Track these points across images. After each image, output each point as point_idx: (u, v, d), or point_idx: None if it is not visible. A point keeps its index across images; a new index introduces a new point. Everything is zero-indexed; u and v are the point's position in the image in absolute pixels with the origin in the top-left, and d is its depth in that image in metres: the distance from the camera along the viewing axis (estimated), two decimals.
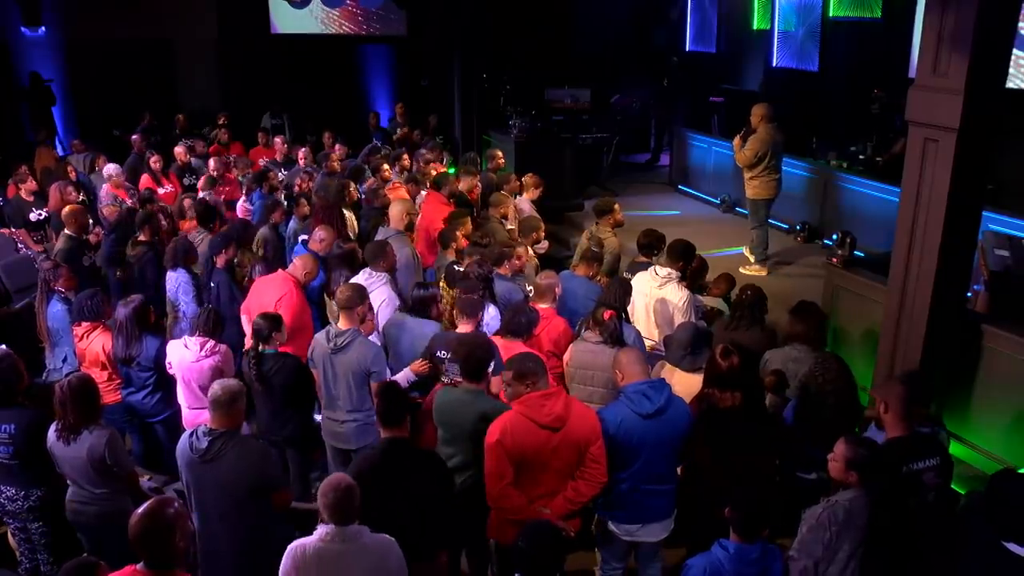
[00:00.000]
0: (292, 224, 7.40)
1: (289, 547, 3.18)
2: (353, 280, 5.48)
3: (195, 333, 4.90)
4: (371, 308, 4.94)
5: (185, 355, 4.86)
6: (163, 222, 7.15)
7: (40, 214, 7.99)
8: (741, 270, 7.73)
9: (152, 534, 2.89)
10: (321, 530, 3.13)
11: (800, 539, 3.37)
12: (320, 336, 4.71)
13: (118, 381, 5.22)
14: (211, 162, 9.01)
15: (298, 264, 5.72)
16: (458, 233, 6.32)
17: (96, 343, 5.14)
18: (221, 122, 11.55)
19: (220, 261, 6.12)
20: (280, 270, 5.78)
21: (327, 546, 3.10)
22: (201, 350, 4.83)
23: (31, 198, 8.01)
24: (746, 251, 8.15)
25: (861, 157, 8.88)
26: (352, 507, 3.11)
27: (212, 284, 6.09)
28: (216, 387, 3.76)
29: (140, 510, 2.93)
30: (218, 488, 3.69)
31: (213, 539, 3.77)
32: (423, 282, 5.54)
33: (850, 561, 3.32)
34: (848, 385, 4.33)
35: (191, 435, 3.75)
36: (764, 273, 7.74)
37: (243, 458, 3.68)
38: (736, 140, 7.67)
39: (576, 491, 3.73)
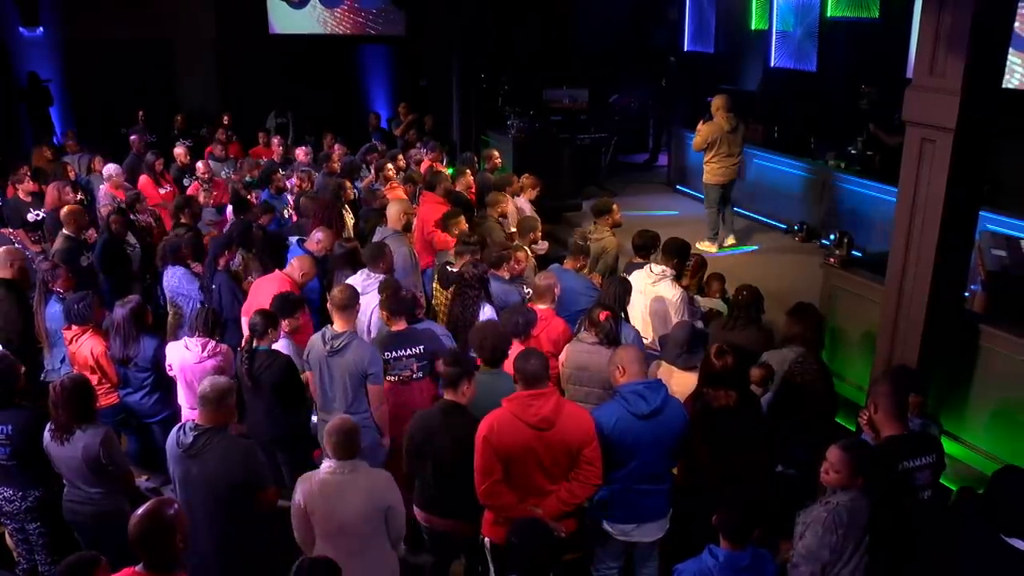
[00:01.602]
0: None
1: (300, 478, 3.62)
2: (350, 280, 5.48)
3: (194, 333, 4.91)
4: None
5: (187, 356, 4.86)
6: (152, 220, 7.23)
7: (38, 214, 7.98)
8: (698, 245, 8.32)
9: (153, 535, 2.90)
10: (326, 463, 3.57)
11: (804, 545, 3.35)
12: (316, 338, 4.69)
13: (108, 385, 5.20)
14: (199, 164, 8.99)
15: (295, 264, 5.71)
16: (456, 232, 6.33)
17: (85, 347, 5.12)
18: (226, 122, 11.57)
19: (221, 263, 6.12)
20: (277, 271, 5.78)
21: (330, 477, 3.55)
22: (203, 351, 4.82)
23: (29, 198, 8.00)
24: (726, 240, 8.71)
25: (853, 152, 8.99)
26: (352, 446, 3.55)
27: (214, 287, 6.09)
28: (205, 384, 3.78)
29: (140, 511, 2.94)
30: (202, 483, 3.71)
31: (196, 535, 3.75)
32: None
33: (851, 560, 3.32)
34: (825, 386, 4.35)
35: (179, 430, 3.79)
36: (714, 250, 8.45)
37: (228, 454, 3.70)
38: (699, 126, 8.39)
39: (570, 492, 3.73)
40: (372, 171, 9.09)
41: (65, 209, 6.98)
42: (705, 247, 8.46)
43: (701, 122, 8.35)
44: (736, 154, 8.30)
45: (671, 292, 5.37)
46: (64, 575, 3.03)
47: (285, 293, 5.10)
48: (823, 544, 3.28)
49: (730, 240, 8.73)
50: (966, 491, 4.33)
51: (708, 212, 8.60)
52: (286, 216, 7.99)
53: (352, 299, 4.70)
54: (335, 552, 3.33)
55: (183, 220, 7.21)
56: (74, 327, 5.17)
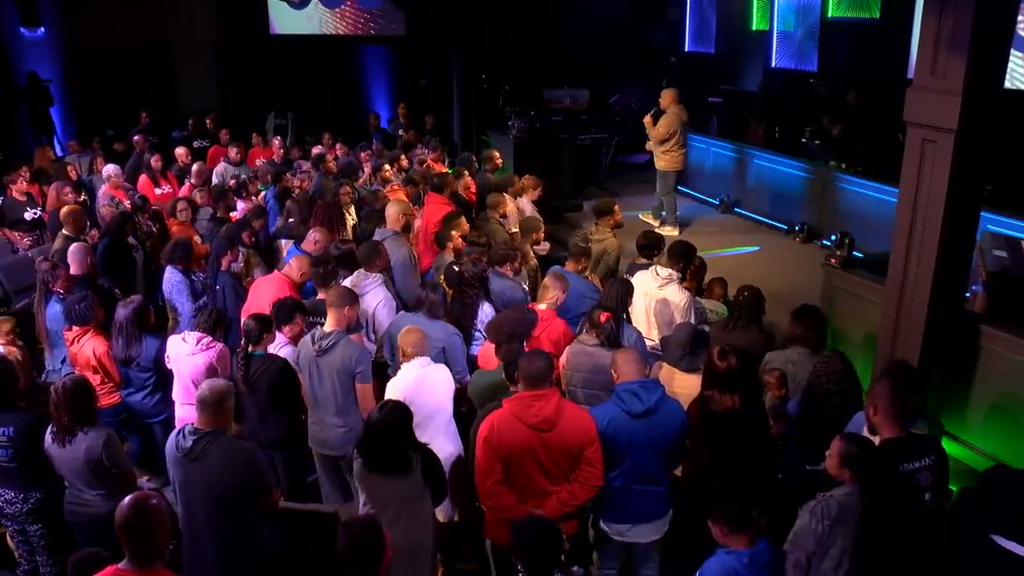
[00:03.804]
0: None
1: (390, 384, 4.39)
2: (347, 280, 5.47)
3: (195, 329, 4.94)
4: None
5: (182, 348, 4.89)
6: (153, 225, 7.28)
7: (35, 213, 8.01)
8: (659, 230, 8.64)
9: (137, 522, 2.90)
10: (413, 363, 4.36)
11: (793, 532, 3.38)
12: (306, 339, 4.67)
13: (111, 384, 5.22)
14: (195, 167, 8.99)
15: (294, 265, 5.70)
16: (454, 233, 6.32)
17: (87, 347, 5.13)
18: (209, 124, 11.61)
19: (224, 263, 6.11)
20: (276, 271, 5.77)
21: (407, 372, 4.36)
22: (197, 344, 4.84)
23: (24, 198, 8.06)
24: (644, 215, 9.42)
25: (803, 140, 9.45)
26: (424, 347, 4.40)
27: (218, 287, 6.09)
28: (204, 387, 3.76)
29: (125, 501, 2.95)
30: (203, 487, 3.70)
31: (198, 538, 3.77)
32: (432, 283, 5.51)
33: (843, 558, 3.31)
34: (852, 385, 4.31)
35: (178, 434, 3.77)
36: (676, 233, 8.83)
37: (228, 458, 3.69)
38: (647, 119, 9.03)
39: (570, 494, 3.73)
40: (365, 171, 9.12)
41: (64, 209, 7.00)
42: (668, 231, 8.77)
43: (649, 116, 8.97)
44: (686, 144, 9.11)
45: (678, 296, 5.35)
46: (70, 572, 3.07)
47: (282, 300, 5.06)
48: (807, 532, 3.30)
49: (676, 230, 9.06)
50: (967, 492, 4.32)
51: (666, 198, 9.14)
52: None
53: (344, 299, 4.68)
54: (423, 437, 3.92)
55: (219, 214, 7.44)
56: (75, 328, 5.17)
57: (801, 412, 4.37)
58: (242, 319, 5.59)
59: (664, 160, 8.99)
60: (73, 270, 5.94)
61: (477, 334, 5.26)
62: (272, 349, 4.87)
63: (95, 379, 5.05)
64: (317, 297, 5.42)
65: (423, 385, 4.30)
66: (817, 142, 9.28)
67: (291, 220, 7.26)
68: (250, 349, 4.65)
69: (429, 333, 4.77)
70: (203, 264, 6.56)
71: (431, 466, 3.74)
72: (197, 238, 7.22)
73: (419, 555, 3.70)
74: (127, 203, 7.99)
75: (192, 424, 3.76)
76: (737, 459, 3.86)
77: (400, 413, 3.65)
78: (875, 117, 9.46)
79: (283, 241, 7.12)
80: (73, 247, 6.15)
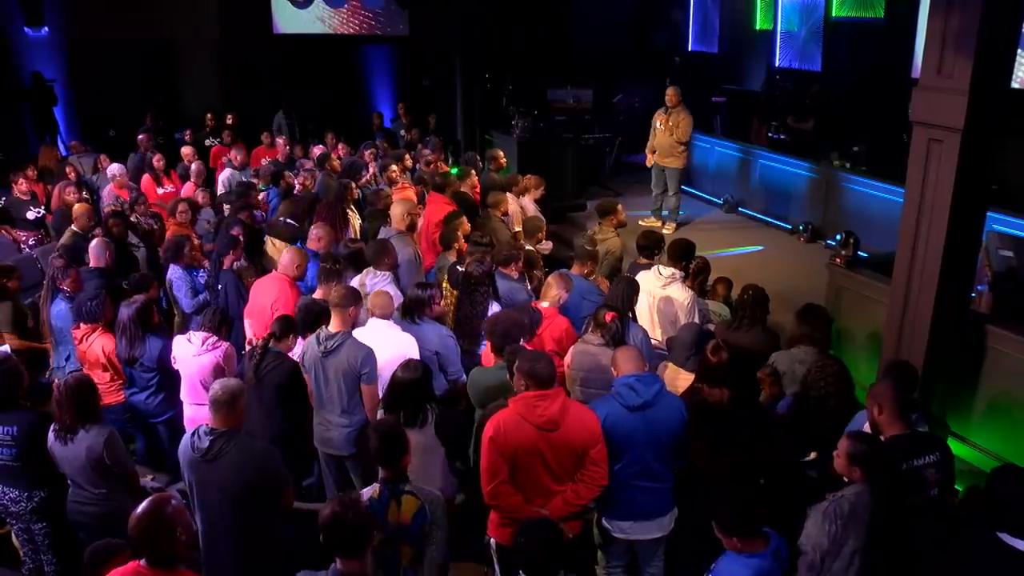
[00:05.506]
0: None
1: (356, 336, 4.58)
2: (357, 279, 5.46)
3: (200, 329, 4.93)
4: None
5: (187, 349, 4.88)
6: (153, 223, 7.28)
7: (38, 212, 8.01)
8: (665, 231, 8.85)
9: (153, 533, 2.88)
10: (369, 321, 4.77)
11: (805, 533, 3.37)
12: (311, 340, 4.66)
13: (119, 382, 5.22)
14: (193, 166, 8.98)
15: (285, 260, 5.61)
16: (458, 233, 6.32)
17: (96, 345, 5.13)
18: (230, 122, 11.60)
19: (227, 262, 6.11)
20: (274, 271, 5.77)
21: (366, 328, 4.75)
22: (202, 344, 4.83)
23: (27, 196, 8.12)
24: (645, 221, 9.31)
25: (770, 135, 9.83)
26: (390, 311, 4.78)
27: (220, 286, 6.09)
28: (216, 387, 3.74)
29: (139, 510, 2.91)
30: (220, 487, 3.68)
31: (216, 539, 3.76)
32: (423, 283, 5.49)
33: (854, 557, 3.31)
34: (847, 389, 4.32)
35: (193, 434, 3.74)
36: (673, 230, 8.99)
37: (245, 458, 3.67)
38: (663, 117, 8.94)
39: (575, 493, 3.71)
40: (369, 169, 9.13)
41: (77, 206, 7.05)
42: (670, 229, 9.01)
43: (664, 115, 8.90)
44: None
45: (682, 295, 5.35)
46: (87, 562, 3.10)
47: (309, 304, 4.98)
48: (821, 532, 3.30)
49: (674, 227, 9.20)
50: (972, 491, 4.32)
51: (675, 197, 9.23)
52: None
53: (347, 299, 4.64)
54: None
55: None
56: (83, 325, 5.17)
57: (792, 412, 4.36)
58: (245, 319, 5.61)
59: (681, 159, 9.07)
60: (92, 263, 6.04)
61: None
62: (292, 353, 4.87)
63: (104, 376, 5.07)
64: (315, 296, 5.40)
65: (375, 344, 4.58)
66: (782, 135, 9.44)
67: (281, 219, 7.20)
68: (271, 345, 4.64)
69: (420, 337, 4.77)
70: (204, 262, 6.57)
71: (445, 421, 4.06)
72: (196, 240, 7.22)
73: None
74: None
75: (207, 425, 3.73)
76: (728, 457, 3.85)
77: (422, 370, 4.06)
78: (845, 112, 9.59)
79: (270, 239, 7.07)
80: (95, 242, 6.22)
